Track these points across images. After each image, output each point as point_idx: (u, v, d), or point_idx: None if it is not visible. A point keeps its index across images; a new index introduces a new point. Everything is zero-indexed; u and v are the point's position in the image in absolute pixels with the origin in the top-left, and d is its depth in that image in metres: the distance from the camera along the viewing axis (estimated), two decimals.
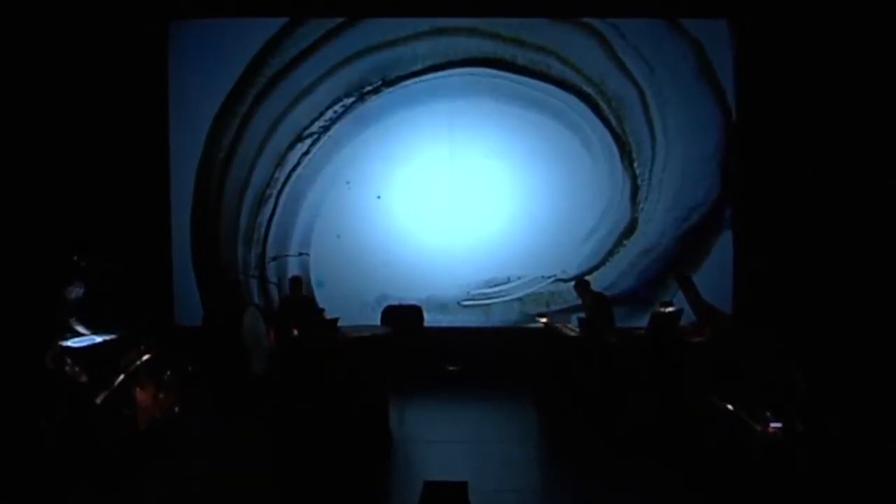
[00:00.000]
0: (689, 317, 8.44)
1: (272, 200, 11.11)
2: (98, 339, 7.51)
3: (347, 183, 11.01)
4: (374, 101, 11.05)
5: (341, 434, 7.55)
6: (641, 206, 10.94)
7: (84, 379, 6.95)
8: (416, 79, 10.98)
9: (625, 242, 10.96)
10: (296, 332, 8.29)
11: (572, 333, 8.88)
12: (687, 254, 10.85)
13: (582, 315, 9.18)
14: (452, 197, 11.03)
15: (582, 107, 10.94)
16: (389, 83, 11.02)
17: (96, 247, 8.87)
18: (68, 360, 6.99)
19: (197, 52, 11.01)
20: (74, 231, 9.71)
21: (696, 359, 7.68)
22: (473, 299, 11.06)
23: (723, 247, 10.84)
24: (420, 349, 9.97)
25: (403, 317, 9.97)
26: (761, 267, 10.33)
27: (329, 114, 11.04)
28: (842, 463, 6.07)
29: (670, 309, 8.42)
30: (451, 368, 10.73)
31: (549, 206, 10.96)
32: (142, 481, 6.61)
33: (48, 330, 7.23)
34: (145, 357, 7.44)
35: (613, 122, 10.92)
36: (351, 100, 11.03)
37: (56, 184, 9.96)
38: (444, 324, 10.92)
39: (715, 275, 10.61)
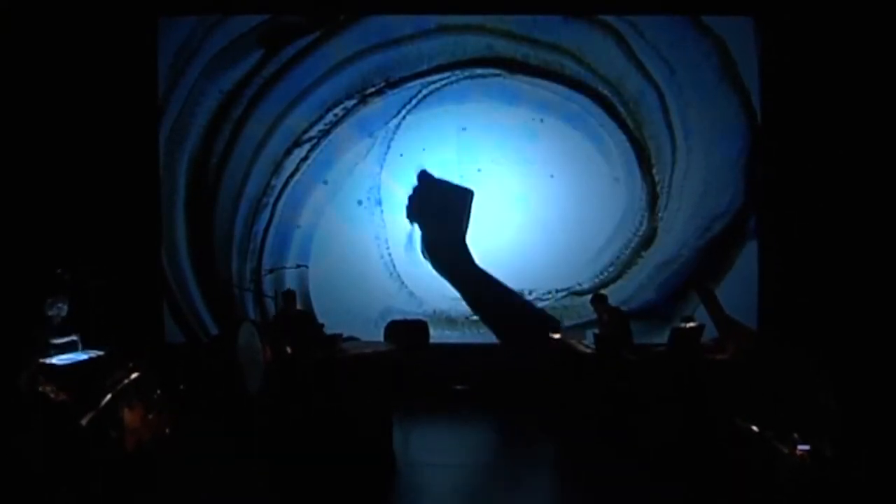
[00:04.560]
0: (711, 332, 8.46)
1: (268, 209, 11.15)
2: (83, 356, 7.56)
3: (325, 182, 11.08)
4: (376, 104, 11.10)
5: (342, 457, 7.58)
6: (661, 214, 10.97)
7: (62, 398, 6.95)
8: (422, 80, 11.03)
9: (643, 253, 10.98)
10: (290, 351, 8.32)
11: (587, 350, 8.90)
12: (709, 265, 10.86)
13: (598, 331, 9.21)
14: None
15: (598, 109, 10.97)
16: (393, 84, 11.07)
17: (81, 259, 8.94)
18: (42, 379, 7.00)
19: (189, 51, 11.07)
20: (58, 241, 9.77)
21: (718, 377, 7.70)
22: None
23: (747, 258, 10.85)
24: (426, 367, 10.00)
25: (408, 333, 10.00)
26: (788, 279, 10.35)
27: (329, 117, 11.08)
28: (872, 489, 6.08)
29: (691, 324, 8.45)
30: (458, 387, 10.75)
31: (562, 215, 10.99)
32: None
33: (26, 348, 7.26)
34: (134, 375, 7.45)
35: (631, 125, 10.96)
36: (352, 102, 11.08)
37: (39, 190, 10.04)
38: (452, 340, 10.95)
39: (739, 288, 10.64)
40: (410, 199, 11.02)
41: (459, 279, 11.02)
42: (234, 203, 11.18)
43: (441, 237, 11.10)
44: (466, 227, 11.01)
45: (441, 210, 11.06)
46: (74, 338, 7.64)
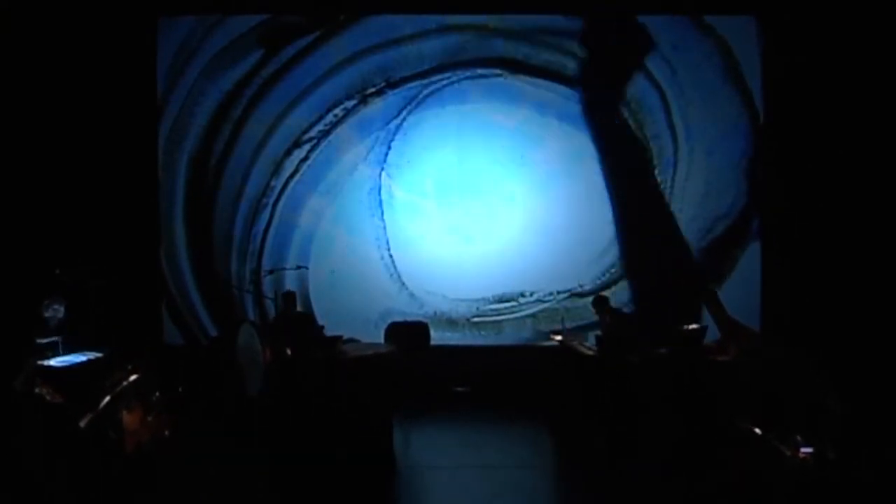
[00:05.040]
0: (714, 334, 8.45)
1: (268, 210, 11.15)
2: (82, 357, 7.55)
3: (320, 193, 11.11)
4: (376, 104, 11.10)
5: (342, 460, 7.58)
6: None
7: (58, 400, 6.94)
8: (422, 80, 11.03)
9: None
10: (290, 352, 8.32)
11: (589, 352, 8.90)
12: (712, 267, 10.87)
13: (599, 333, 9.20)
14: (461, 206, 11.07)
15: None
16: (393, 84, 11.07)
17: (80, 259, 8.95)
18: (39, 381, 7.00)
19: (188, 51, 11.08)
20: (57, 241, 9.77)
21: (721, 379, 7.69)
22: (483, 316, 11.10)
23: (750, 259, 10.85)
24: (426, 369, 10.00)
25: (409, 334, 10.00)
26: (791, 281, 10.34)
27: (329, 117, 11.09)
28: (875, 492, 6.07)
29: (694, 326, 8.44)
30: (459, 389, 10.75)
31: (564, 216, 10.99)
32: None
33: (23, 349, 7.26)
34: (133, 377, 7.44)
35: (633, 126, 10.95)
36: (352, 102, 11.08)
37: (38, 190, 10.04)
38: (453, 342, 10.96)
39: (742, 289, 10.62)
40: None
41: None
42: (234, 204, 11.18)
43: None
44: None
45: None
46: (56, 339, 7.62)
